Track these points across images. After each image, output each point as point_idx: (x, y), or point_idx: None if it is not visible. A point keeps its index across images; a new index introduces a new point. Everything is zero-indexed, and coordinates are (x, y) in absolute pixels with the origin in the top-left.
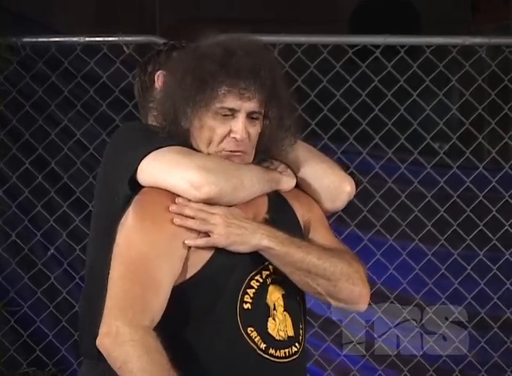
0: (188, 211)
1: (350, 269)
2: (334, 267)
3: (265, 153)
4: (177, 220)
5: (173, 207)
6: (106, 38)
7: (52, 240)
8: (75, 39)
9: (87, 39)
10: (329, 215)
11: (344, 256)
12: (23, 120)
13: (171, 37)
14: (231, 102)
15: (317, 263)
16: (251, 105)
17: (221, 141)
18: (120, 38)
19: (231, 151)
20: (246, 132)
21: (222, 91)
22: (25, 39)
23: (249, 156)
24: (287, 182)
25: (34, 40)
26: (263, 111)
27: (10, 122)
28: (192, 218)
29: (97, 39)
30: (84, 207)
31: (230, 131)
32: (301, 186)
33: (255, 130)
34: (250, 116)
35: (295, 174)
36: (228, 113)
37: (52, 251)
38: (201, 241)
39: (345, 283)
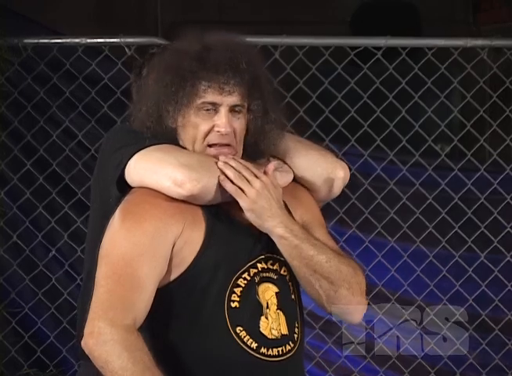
0: (234, 164)
1: (353, 279)
2: (339, 273)
3: (254, 148)
4: (220, 163)
5: (221, 158)
6: (107, 40)
7: (54, 241)
8: (77, 40)
9: (88, 40)
10: (329, 217)
11: (351, 264)
12: (24, 121)
13: (172, 38)
14: (211, 96)
15: (325, 265)
16: (232, 99)
17: (206, 136)
18: (122, 40)
19: (216, 144)
20: (231, 126)
21: (202, 86)
22: (26, 40)
23: (236, 151)
24: (282, 178)
25: (36, 41)
26: (246, 104)
27: (11, 123)
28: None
29: (98, 40)
30: (86, 209)
31: (214, 126)
32: (295, 178)
33: (240, 124)
34: (233, 109)
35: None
36: (211, 107)
37: (53, 252)
38: (231, 188)
39: (345, 292)
